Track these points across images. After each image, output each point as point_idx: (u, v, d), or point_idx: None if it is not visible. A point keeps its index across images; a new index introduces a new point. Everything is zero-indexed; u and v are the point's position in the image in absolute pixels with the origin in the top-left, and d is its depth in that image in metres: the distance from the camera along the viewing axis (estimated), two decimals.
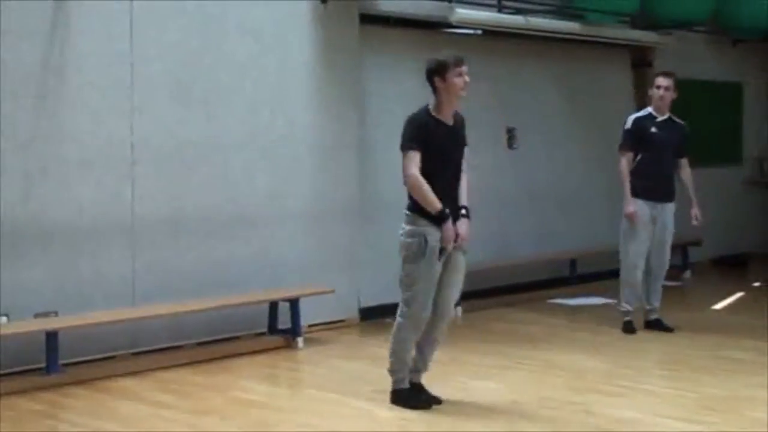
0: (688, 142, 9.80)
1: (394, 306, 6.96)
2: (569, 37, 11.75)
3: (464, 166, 7.07)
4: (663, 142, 9.56)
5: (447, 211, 6.75)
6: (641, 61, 13.18)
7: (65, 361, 7.84)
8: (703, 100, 14.07)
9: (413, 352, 7.06)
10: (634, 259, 9.58)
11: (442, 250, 6.82)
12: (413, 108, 10.80)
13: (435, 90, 6.92)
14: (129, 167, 8.47)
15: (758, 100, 15.30)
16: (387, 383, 7.21)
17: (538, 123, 12.22)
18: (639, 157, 9.55)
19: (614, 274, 9.92)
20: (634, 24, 12.48)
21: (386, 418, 6.90)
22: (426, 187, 6.73)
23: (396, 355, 7.02)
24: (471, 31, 11.20)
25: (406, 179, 6.81)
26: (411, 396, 7.03)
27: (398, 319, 6.98)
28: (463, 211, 6.97)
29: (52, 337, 7.67)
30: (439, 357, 7.47)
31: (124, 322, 8.26)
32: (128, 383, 7.80)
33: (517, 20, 10.98)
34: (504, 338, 9.54)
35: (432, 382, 7.33)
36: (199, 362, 8.43)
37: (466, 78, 6.90)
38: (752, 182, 15.28)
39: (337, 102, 9.96)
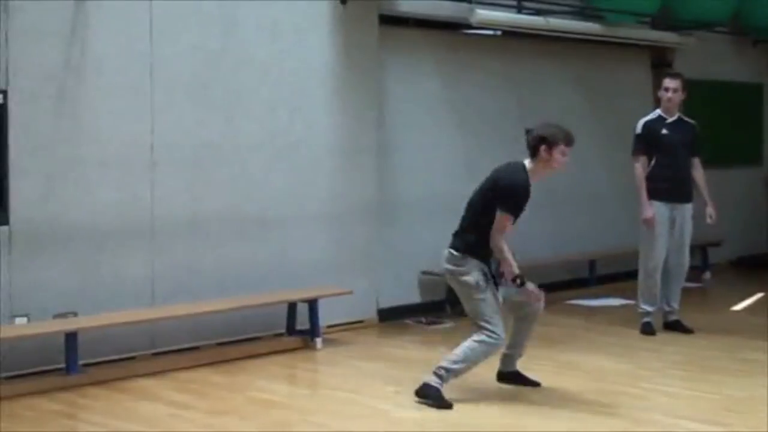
0: (699, 141, 9.75)
1: (413, 307, 7.01)
2: (589, 38, 11.73)
3: None
4: (675, 143, 9.54)
5: (525, 278, 7.18)
6: (661, 62, 13.13)
7: (85, 362, 7.86)
8: (724, 101, 14.03)
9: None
10: (653, 262, 9.55)
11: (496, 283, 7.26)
12: (432, 110, 10.89)
13: (535, 155, 7.26)
14: (148, 168, 8.48)
15: None
16: (405, 383, 7.22)
17: (558, 124, 12.18)
18: (653, 161, 9.53)
19: (633, 275, 9.89)
20: (654, 24, 12.45)
21: (404, 418, 6.90)
22: (508, 254, 7.16)
23: (459, 365, 7.19)
24: (491, 32, 11.20)
25: (493, 242, 7.17)
26: (441, 397, 7.11)
27: (484, 337, 7.17)
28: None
29: (71, 337, 7.69)
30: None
31: (144, 323, 8.27)
32: (147, 383, 7.82)
33: (537, 21, 10.96)
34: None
35: (450, 384, 7.33)
36: (218, 363, 8.44)
37: (567, 159, 7.27)
38: None
39: (355, 103, 9.96)
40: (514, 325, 7.55)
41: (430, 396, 7.10)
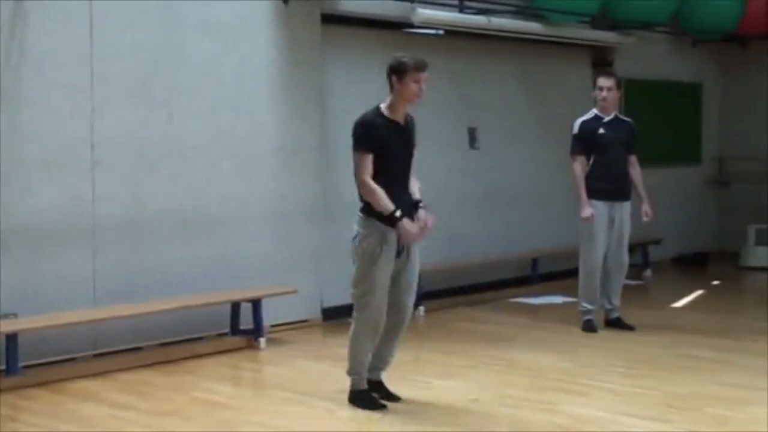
0: (636, 139, 9.84)
1: None
2: (531, 37, 11.80)
3: (414, 168, 7.08)
4: (613, 141, 9.61)
5: (399, 212, 6.71)
6: (602, 61, 13.25)
7: (25, 363, 7.78)
8: (663, 100, 14.19)
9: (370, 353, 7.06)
10: (592, 260, 9.62)
11: (398, 252, 6.84)
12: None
13: (391, 88, 6.91)
14: (90, 168, 8.41)
15: (717, 100, 15.41)
16: (349, 383, 7.22)
17: (500, 123, 12.27)
18: (592, 160, 9.60)
19: (575, 272, 9.96)
20: (595, 24, 12.55)
21: (349, 417, 6.91)
22: (379, 192, 6.70)
23: (355, 359, 7.01)
24: (433, 32, 11.23)
25: (359, 184, 6.80)
26: (368, 398, 7.03)
27: (355, 324, 6.97)
28: (422, 204, 6.97)
29: (11, 339, 7.61)
30: (401, 356, 7.48)
31: (85, 324, 8.20)
32: (89, 385, 7.75)
33: (479, 20, 11.00)
34: (466, 337, 9.56)
35: (395, 381, 7.35)
36: (161, 363, 8.39)
37: (423, 86, 6.87)
38: (712, 181, 15.39)
39: (299, 102, 9.95)
40: (382, 333, 7.01)
41: (356, 401, 7.03)
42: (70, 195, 8.30)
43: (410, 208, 6.89)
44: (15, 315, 7.93)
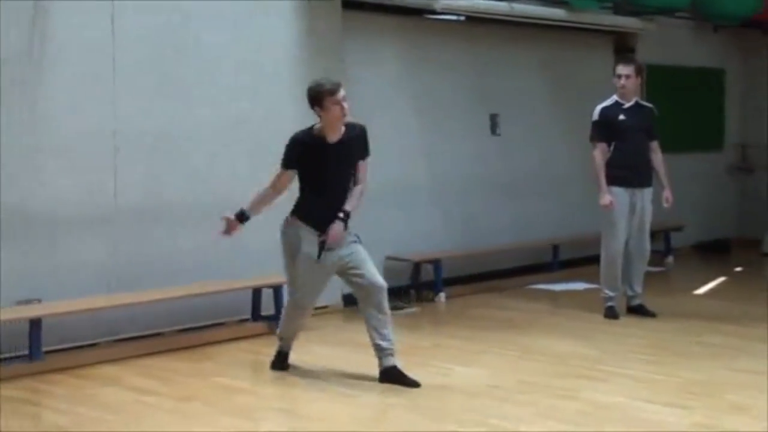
0: (657, 125, 9.80)
1: None
2: (553, 24, 11.76)
3: (363, 176, 7.38)
4: (633, 128, 9.58)
5: (242, 211, 7.41)
6: (624, 47, 13.19)
7: (48, 348, 7.83)
8: (685, 86, 14.12)
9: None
10: (614, 247, 9.60)
11: (320, 252, 7.21)
12: (395, 95, 10.89)
13: (318, 115, 7.21)
14: (110, 156, 8.45)
15: (740, 86, 15.32)
16: (369, 369, 7.25)
17: (521, 109, 12.24)
18: (612, 147, 9.57)
19: (596, 259, 9.94)
20: (617, 10, 12.49)
21: (367, 403, 6.92)
22: (256, 195, 7.43)
23: (285, 327, 7.68)
24: (454, 18, 11.20)
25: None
26: (279, 361, 7.71)
27: (288, 300, 7.61)
28: (340, 215, 7.20)
29: (35, 324, 7.66)
30: (421, 342, 7.51)
31: (107, 309, 8.25)
32: (111, 370, 7.80)
33: (502, 6, 10.97)
34: (486, 324, 9.56)
35: (414, 367, 7.37)
36: (182, 349, 8.43)
37: (344, 104, 7.13)
38: (734, 168, 15.33)
39: None
40: (365, 319, 7.34)
41: (276, 363, 7.70)
42: (90, 183, 8.34)
43: (329, 222, 7.20)
44: (39, 300, 7.98)
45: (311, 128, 7.28)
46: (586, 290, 11.03)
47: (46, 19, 8.04)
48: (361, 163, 7.36)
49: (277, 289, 9.05)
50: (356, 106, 10.17)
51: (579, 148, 11.89)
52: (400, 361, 7.29)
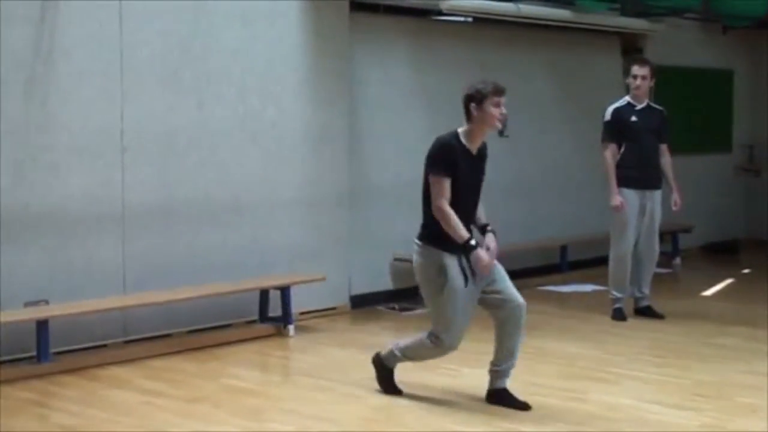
0: (669, 128, 9.79)
1: (385, 293, 6.96)
2: (560, 25, 11.75)
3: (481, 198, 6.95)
4: (645, 129, 9.57)
5: (474, 241, 6.55)
6: (632, 48, 13.19)
7: (56, 350, 7.84)
8: (694, 88, 14.10)
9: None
10: (623, 249, 9.59)
11: (474, 274, 6.62)
12: (402, 96, 10.87)
13: (469, 117, 6.72)
14: (119, 154, 8.45)
15: (748, 88, 15.30)
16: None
17: (529, 110, 12.21)
18: (623, 148, 9.56)
19: (605, 260, 9.93)
20: (625, 11, 12.48)
21: (377, 405, 6.92)
22: (455, 218, 6.52)
23: (411, 357, 7.05)
24: (462, 19, 11.20)
25: (435, 210, 6.59)
26: (391, 378, 7.12)
27: (428, 341, 6.82)
28: (489, 227, 6.84)
29: (42, 325, 7.67)
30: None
31: (115, 311, 8.26)
32: (119, 371, 7.80)
33: (508, 7, 10.96)
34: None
35: (423, 369, 7.37)
36: (191, 350, 8.44)
37: (503, 110, 6.71)
38: (742, 169, 15.31)
39: (326, 89, 9.95)
40: (495, 332, 6.91)
41: (379, 371, 7.14)
42: (99, 181, 8.34)
43: (478, 234, 6.77)
44: (46, 302, 7.99)
45: (455, 134, 6.73)
46: (594, 292, 11.02)
47: (55, 17, 8.05)
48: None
49: (284, 291, 9.05)
50: (363, 106, 10.26)
51: (587, 150, 11.91)
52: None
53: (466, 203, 6.71)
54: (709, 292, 11.49)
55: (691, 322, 9.62)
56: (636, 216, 9.54)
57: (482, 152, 6.87)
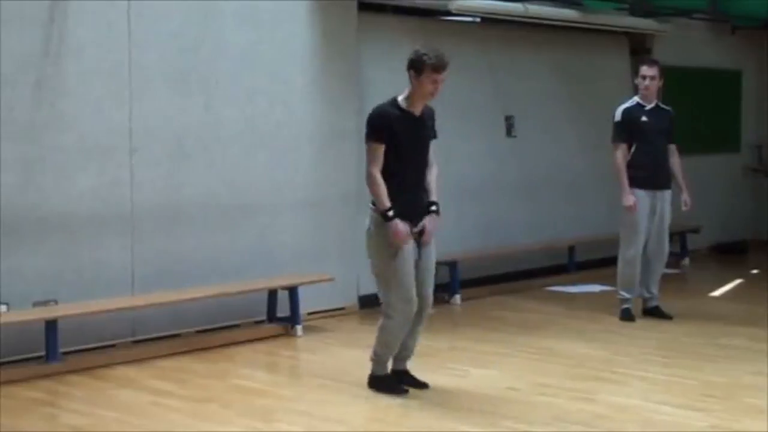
0: (677, 128, 9.78)
1: None
2: (568, 25, 11.74)
3: (433, 158, 7.02)
4: (655, 130, 9.56)
5: (392, 212, 6.66)
6: (640, 48, 13.18)
7: (65, 350, 7.85)
8: (702, 88, 14.09)
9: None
10: (633, 249, 9.58)
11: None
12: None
13: (410, 81, 6.84)
14: (128, 155, 8.47)
15: (757, 88, 15.28)
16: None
17: (537, 111, 12.23)
18: (633, 148, 9.55)
19: (612, 261, 9.92)
20: (633, 11, 12.48)
21: (385, 405, 6.92)
22: (380, 187, 6.70)
23: (383, 346, 7.03)
24: (469, 19, 11.21)
25: (366, 176, 6.81)
26: (392, 382, 7.07)
27: (384, 318, 6.93)
28: (433, 207, 6.91)
29: (51, 325, 7.69)
30: (437, 344, 7.51)
31: (124, 311, 8.28)
32: (128, 371, 7.82)
33: (516, 8, 10.96)
34: (502, 326, 9.56)
35: (431, 369, 7.38)
36: (199, 350, 8.45)
37: (439, 86, 6.77)
38: (751, 169, 15.29)
39: (335, 90, 9.96)
40: None
41: (379, 386, 7.07)
42: (107, 182, 8.36)
43: (419, 208, 6.85)
44: (55, 302, 8.01)
45: (393, 100, 6.85)
46: (602, 292, 11.00)
47: (64, 18, 8.07)
48: (432, 143, 6.99)
49: (292, 291, 9.06)
50: (371, 107, 10.21)
51: (594, 150, 11.92)
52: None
53: (411, 164, 6.83)
54: (717, 293, 11.48)
55: (699, 322, 9.61)
56: (647, 216, 9.52)
57: (426, 115, 6.96)
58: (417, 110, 6.88)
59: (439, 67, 6.74)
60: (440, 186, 7.07)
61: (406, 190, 6.79)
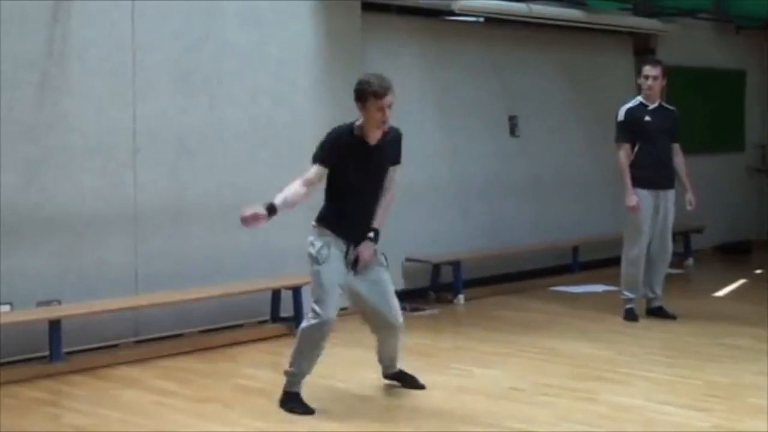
0: (680, 128, 9.77)
1: (396, 293, 6.94)
2: (572, 25, 11.75)
3: (391, 184, 6.90)
4: (658, 130, 9.55)
5: (272, 205, 6.56)
6: (644, 49, 13.17)
7: (68, 350, 7.86)
8: (706, 88, 14.07)
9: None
10: (637, 249, 9.57)
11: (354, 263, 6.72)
12: (415, 97, 10.87)
13: (359, 111, 6.70)
14: (131, 155, 8.48)
15: (761, 87, 15.27)
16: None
17: (541, 111, 12.23)
18: (637, 148, 9.54)
19: (616, 261, 9.92)
20: (637, 11, 12.47)
21: (389, 405, 6.93)
22: (286, 192, 6.61)
23: (299, 361, 6.82)
24: (473, 19, 11.21)
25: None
26: (299, 400, 6.80)
27: (306, 323, 6.77)
28: (371, 234, 6.78)
29: (55, 325, 7.70)
30: (440, 344, 7.51)
31: (127, 310, 8.29)
32: (131, 371, 7.82)
33: (520, 8, 10.97)
34: (506, 326, 9.55)
35: (435, 369, 7.39)
36: (202, 350, 8.46)
37: (386, 112, 6.61)
38: (754, 169, 15.28)
39: (339, 90, 9.91)
40: (377, 338, 7.12)
41: (289, 403, 6.78)
42: (111, 182, 8.37)
43: (358, 235, 6.73)
44: (58, 301, 8.02)
45: (352, 126, 6.74)
46: (606, 292, 11.00)
47: (67, 18, 8.08)
48: (391, 169, 6.87)
49: (296, 291, 9.06)
50: None
51: (598, 150, 11.92)
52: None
53: (357, 192, 6.71)
54: (721, 293, 11.47)
55: (702, 322, 9.60)
56: (650, 216, 9.51)
57: (389, 142, 6.82)
58: (372, 139, 6.72)
59: (380, 93, 6.58)
60: (390, 211, 6.95)
61: (346, 215, 6.70)
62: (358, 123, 6.74)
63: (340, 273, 6.69)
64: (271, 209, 6.56)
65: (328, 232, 6.68)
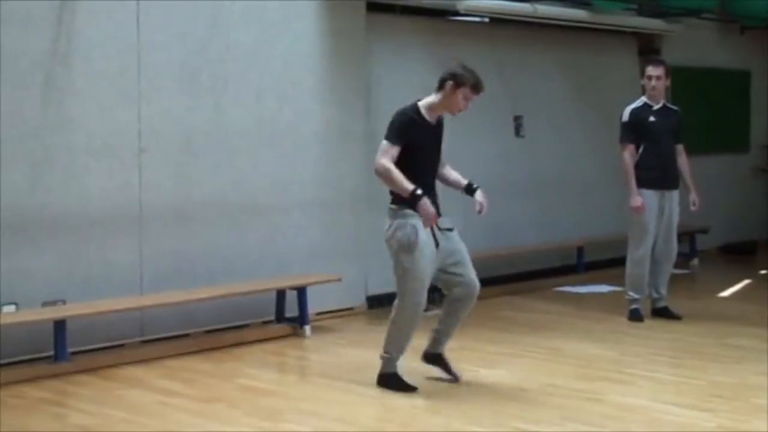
0: (684, 128, 9.77)
1: None
2: (576, 25, 11.74)
3: (444, 159, 7.32)
4: (662, 130, 9.55)
5: (419, 191, 6.78)
6: (649, 49, 13.16)
7: (73, 350, 7.86)
8: (711, 88, 14.06)
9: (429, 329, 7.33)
10: (641, 250, 9.57)
11: (435, 238, 6.97)
12: (419, 96, 10.85)
13: (440, 90, 7.06)
14: (136, 155, 8.48)
15: (766, 88, 15.24)
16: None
17: (546, 111, 12.22)
18: (641, 148, 9.53)
19: (621, 261, 9.91)
20: (642, 11, 12.46)
21: (394, 406, 6.92)
22: (396, 173, 6.82)
23: (393, 342, 7.15)
24: (478, 19, 11.21)
25: (376, 168, 6.93)
26: (400, 380, 7.14)
27: (395, 311, 7.10)
28: (474, 185, 7.27)
29: (60, 325, 7.70)
30: (447, 344, 7.47)
31: (132, 311, 8.29)
32: (136, 371, 7.83)
33: (525, 8, 10.96)
34: (511, 326, 9.55)
35: (439, 371, 7.36)
36: (207, 350, 8.46)
37: (469, 106, 7.10)
38: (759, 170, 15.26)
39: (343, 90, 9.96)
40: (444, 307, 7.31)
41: (388, 383, 7.16)
42: (116, 182, 8.37)
43: (434, 206, 6.93)
44: (63, 302, 8.02)
45: (414, 106, 7.05)
46: (611, 293, 11.00)
47: (72, 19, 8.08)
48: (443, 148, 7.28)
49: (301, 291, 9.06)
50: (380, 107, 10.24)
51: (603, 150, 11.91)
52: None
53: (425, 168, 7.06)
54: (726, 293, 11.46)
55: (708, 323, 9.60)
56: (655, 217, 9.51)
57: (439, 124, 7.20)
58: (433, 120, 7.09)
59: (478, 89, 7.05)
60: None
61: (422, 190, 6.89)
62: (422, 103, 7.06)
63: (432, 259, 6.96)
64: (420, 192, 6.81)
65: (409, 211, 6.87)
